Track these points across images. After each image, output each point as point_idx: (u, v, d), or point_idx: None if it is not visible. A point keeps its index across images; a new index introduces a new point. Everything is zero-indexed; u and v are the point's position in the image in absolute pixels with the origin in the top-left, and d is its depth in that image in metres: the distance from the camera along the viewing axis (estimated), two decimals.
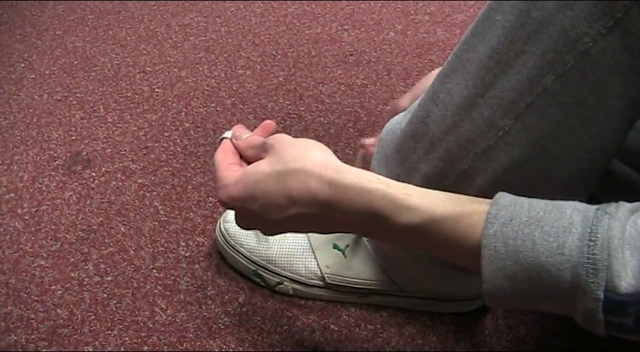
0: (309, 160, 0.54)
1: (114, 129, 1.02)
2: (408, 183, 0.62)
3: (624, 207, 0.45)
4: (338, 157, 0.56)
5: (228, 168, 0.60)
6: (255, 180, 0.56)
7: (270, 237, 0.78)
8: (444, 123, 0.59)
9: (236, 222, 0.62)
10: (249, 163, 0.61)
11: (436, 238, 0.50)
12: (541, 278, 0.44)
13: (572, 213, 0.45)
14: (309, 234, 0.77)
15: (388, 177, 0.61)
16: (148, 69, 1.16)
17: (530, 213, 0.46)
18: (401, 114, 0.69)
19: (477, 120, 0.57)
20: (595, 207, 0.45)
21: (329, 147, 0.58)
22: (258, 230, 0.61)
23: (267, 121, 0.65)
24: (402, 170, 0.64)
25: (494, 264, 0.46)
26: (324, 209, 0.53)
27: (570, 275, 0.43)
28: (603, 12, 0.49)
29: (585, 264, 0.42)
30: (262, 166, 0.56)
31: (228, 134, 0.66)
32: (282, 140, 0.58)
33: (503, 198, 0.48)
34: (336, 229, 0.56)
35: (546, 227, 0.45)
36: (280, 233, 0.60)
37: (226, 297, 0.78)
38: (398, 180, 0.61)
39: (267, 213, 0.56)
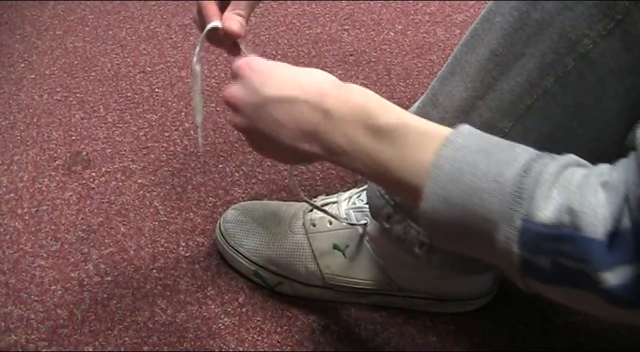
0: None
1: (114, 129, 1.03)
2: None
3: (572, 158, 0.45)
4: None
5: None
6: (271, 66, 0.56)
7: (269, 238, 0.78)
8: (443, 125, 0.59)
9: (251, 145, 0.59)
10: None
11: (401, 146, 0.49)
12: (473, 203, 0.44)
13: (522, 152, 0.45)
14: (310, 235, 0.77)
15: None
16: (148, 69, 1.16)
17: (482, 143, 0.46)
18: None
19: (476, 122, 0.57)
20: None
21: None
22: (273, 151, 0.58)
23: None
24: None
25: (436, 184, 0.46)
26: (324, 103, 0.52)
27: (498, 202, 0.43)
28: (604, 13, 0.49)
29: (513, 192, 0.42)
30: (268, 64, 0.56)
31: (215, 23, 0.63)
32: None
33: (467, 127, 0.48)
34: (324, 134, 0.53)
35: (493, 157, 0.45)
36: (290, 145, 0.55)
37: (226, 297, 0.78)
38: None
39: (275, 108, 0.54)
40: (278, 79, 0.54)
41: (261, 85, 0.54)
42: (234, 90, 0.56)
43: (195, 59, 0.65)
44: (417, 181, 0.47)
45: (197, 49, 0.64)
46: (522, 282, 0.45)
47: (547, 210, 0.41)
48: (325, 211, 0.75)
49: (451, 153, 0.46)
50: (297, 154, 0.54)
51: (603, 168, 0.43)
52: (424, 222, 0.48)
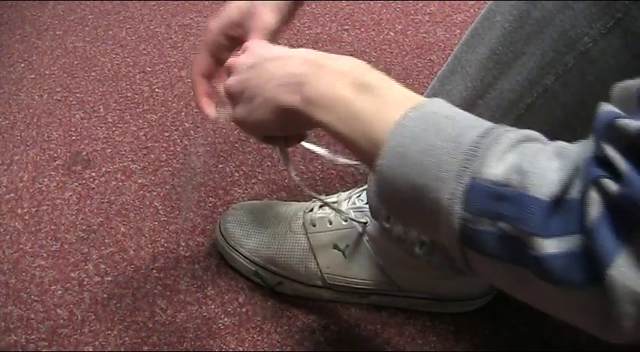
0: None
1: (114, 129, 1.02)
2: None
3: (536, 134, 0.43)
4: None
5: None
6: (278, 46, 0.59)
7: (269, 238, 0.78)
8: None
9: (235, 115, 0.58)
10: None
11: (380, 102, 0.49)
12: (427, 161, 0.43)
13: (489, 122, 0.44)
14: (310, 235, 0.77)
15: None
16: (148, 69, 1.16)
17: (453, 112, 0.45)
18: None
19: None
20: None
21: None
22: (249, 111, 0.57)
23: None
24: None
25: (396, 140, 0.45)
26: (319, 59, 0.54)
27: (451, 160, 0.42)
28: (603, 12, 0.49)
29: (468, 151, 0.41)
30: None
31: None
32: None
33: (441, 99, 0.48)
34: (310, 82, 0.53)
35: (458, 122, 0.44)
36: (269, 99, 0.55)
37: (226, 297, 0.78)
38: None
39: (267, 64, 0.56)
40: (283, 49, 0.57)
41: (265, 52, 0.57)
42: (238, 57, 0.58)
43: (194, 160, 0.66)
44: (381, 139, 0.46)
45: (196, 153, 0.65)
46: (461, 255, 0.43)
47: (497, 169, 0.40)
48: (328, 204, 0.74)
49: (419, 114, 0.45)
50: (272, 111, 0.53)
51: (563, 142, 0.42)
52: (377, 182, 0.46)
